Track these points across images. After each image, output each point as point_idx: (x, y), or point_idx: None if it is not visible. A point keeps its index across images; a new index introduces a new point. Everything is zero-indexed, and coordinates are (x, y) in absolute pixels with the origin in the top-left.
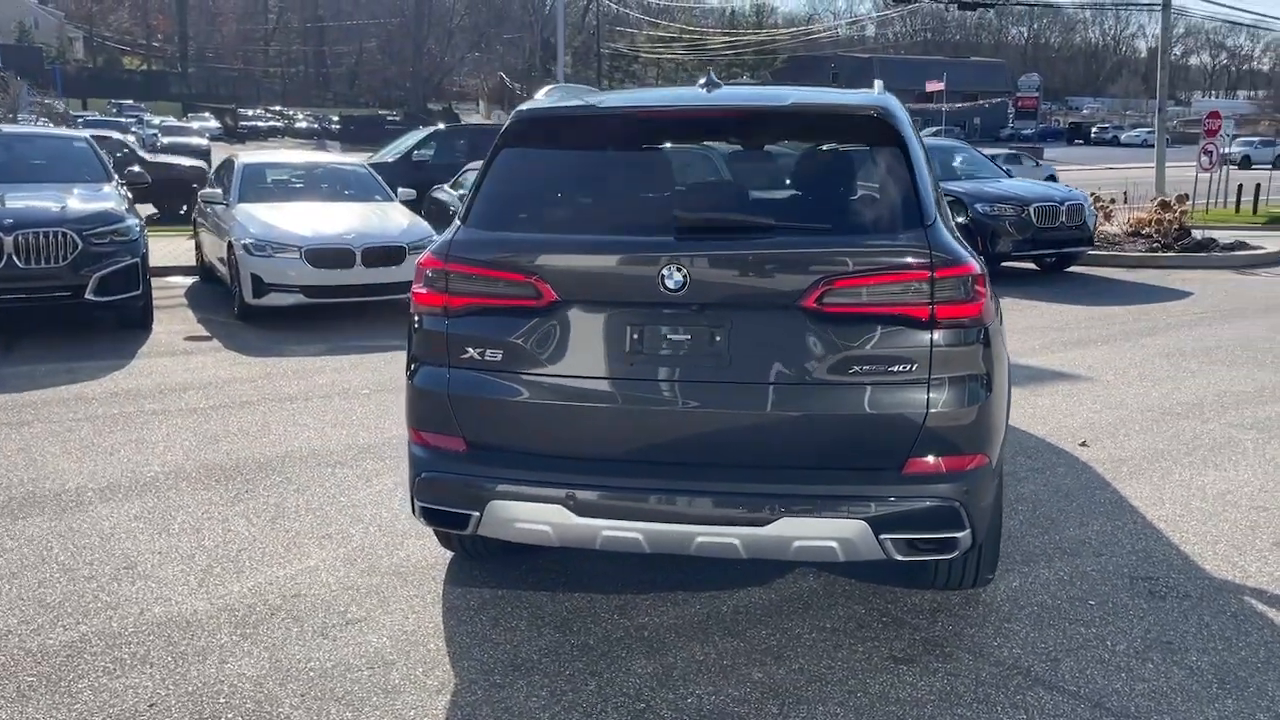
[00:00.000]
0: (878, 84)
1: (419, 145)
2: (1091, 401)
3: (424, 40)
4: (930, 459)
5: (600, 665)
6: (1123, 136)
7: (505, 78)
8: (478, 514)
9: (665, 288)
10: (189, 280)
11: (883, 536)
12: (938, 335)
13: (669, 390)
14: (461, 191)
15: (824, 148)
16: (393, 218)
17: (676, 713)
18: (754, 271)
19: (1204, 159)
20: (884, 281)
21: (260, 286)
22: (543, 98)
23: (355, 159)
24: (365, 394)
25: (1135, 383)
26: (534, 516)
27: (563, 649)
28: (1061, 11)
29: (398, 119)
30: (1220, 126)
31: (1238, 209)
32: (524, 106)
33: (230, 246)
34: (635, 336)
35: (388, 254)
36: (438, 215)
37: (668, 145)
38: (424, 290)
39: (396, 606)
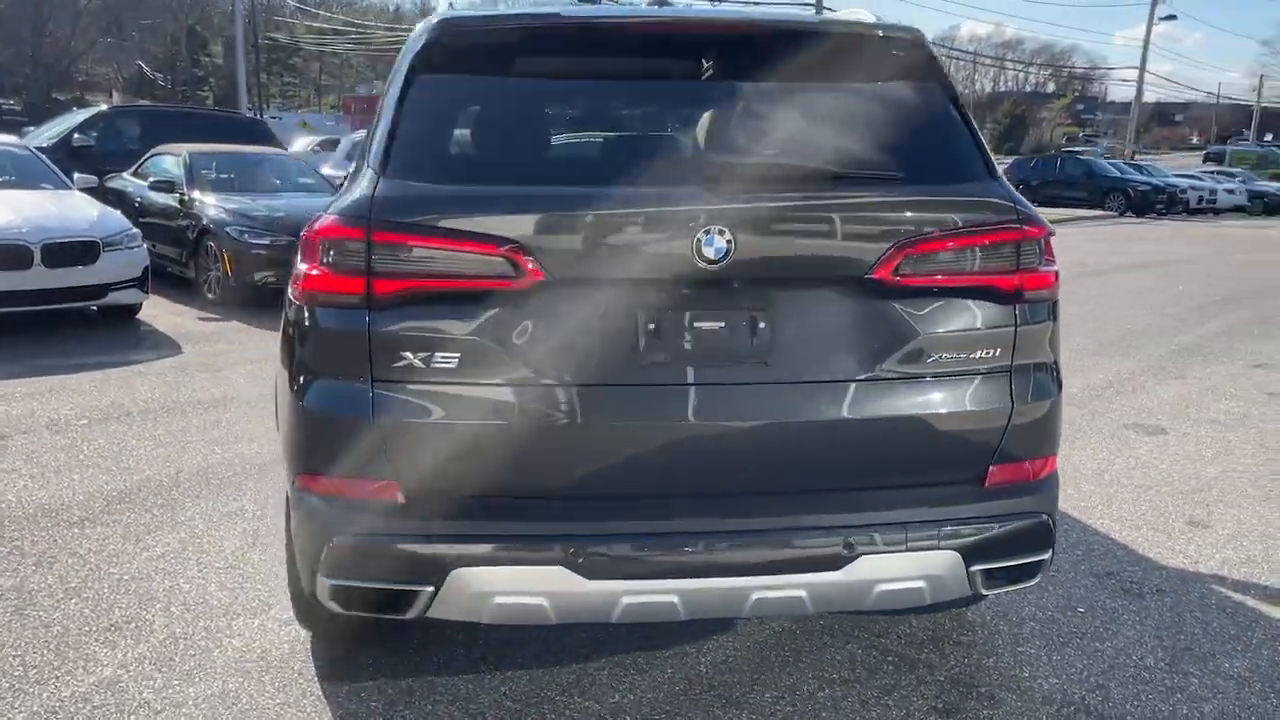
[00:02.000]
0: (862, 11)
1: (80, 129)
2: None
3: (44, 22)
4: (1013, 466)
5: None
6: None
7: (145, 67)
8: (431, 589)
9: (702, 258)
10: None
11: (973, 569)
12: (1021, 311)
13: (701, 398)
14: (155, 178)
15: (866, 79)
16: (77, 207)
17: None
18: (816, 235)
19: None
20: (975, 244)
21: None
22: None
23: (4, 138)
24: (84, 425)
25: None
26: (523, 585)
27: None
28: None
29: (18, 109)
30: None
31: None
32: (440, 16)
33: None
34: (652, 327)
35: (77, 251)
36: (120, 207)
37: (671, 70)
38: (328, 271)
39: None
